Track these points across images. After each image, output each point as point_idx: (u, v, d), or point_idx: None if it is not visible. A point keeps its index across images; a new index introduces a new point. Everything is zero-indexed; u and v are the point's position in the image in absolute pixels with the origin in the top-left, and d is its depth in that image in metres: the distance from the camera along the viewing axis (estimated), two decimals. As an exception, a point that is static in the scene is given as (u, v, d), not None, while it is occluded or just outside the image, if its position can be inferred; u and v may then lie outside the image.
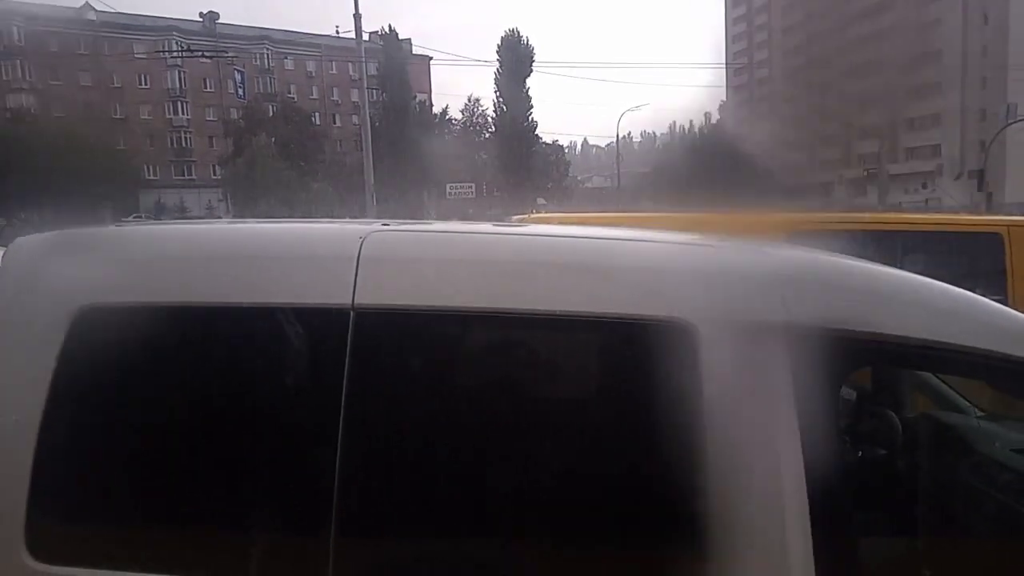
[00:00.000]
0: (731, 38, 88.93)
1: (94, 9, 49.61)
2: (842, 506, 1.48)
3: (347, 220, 2.33)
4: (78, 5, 53.42)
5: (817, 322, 1.51)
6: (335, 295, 1.51)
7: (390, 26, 52.79)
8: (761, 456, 1.43)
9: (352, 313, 1.49)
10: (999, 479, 2.18)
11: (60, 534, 1.51)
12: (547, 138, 58.78)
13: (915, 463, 2.37)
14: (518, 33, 51.94)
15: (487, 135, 57.26)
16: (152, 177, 58.22)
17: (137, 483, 1.54)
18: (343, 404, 1.46)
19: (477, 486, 1.55)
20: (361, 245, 1.57)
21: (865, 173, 53.20)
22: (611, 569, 1.48)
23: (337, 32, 48.26)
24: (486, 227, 1.99)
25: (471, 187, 44.88)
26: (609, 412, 1.60)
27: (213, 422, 1.54)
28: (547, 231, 2.15)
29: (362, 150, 24.66)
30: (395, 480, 1.53)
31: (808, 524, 1.40)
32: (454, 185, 44.84)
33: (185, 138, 63.41)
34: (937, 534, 2.07)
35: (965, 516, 2.21)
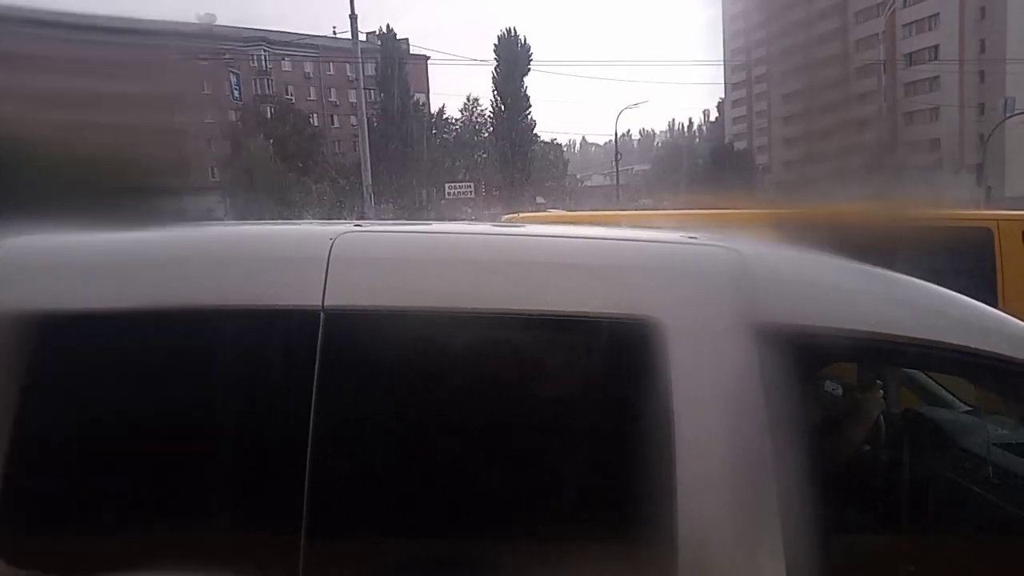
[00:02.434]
0: (729, 35, 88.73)
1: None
2: (814, 502, 1.47)
3: (320, 221, 2.32)
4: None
5: (787, 318, 1.50)
6: (305, 296, 1.50)
7: (387, 26, 52.82)
8: (731, 454, 1.42)
9: (322, 314, 1.49)
10: (983, 474, 2.17)
11: (27, 541, 1.50)
12: (545, 137, 58.95)
13: (899, 458, 2.36)
14: (515, 32, 52.04)
15: (486, 134, 57.25)
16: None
17: (105, 489, 1.53)
18: (313, 406, 1.45)
19: (448, 487, 1.54)
20: (331, 246, 1.56)
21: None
22: (580, 568, 1.47)
23: (334, 33, 48.14)
24: (456, 227, 1.99)
25: (470, 186, 44.85)
26: (579, 411, 1.59)
27: (181, 426, 1.53)
28: (518, 231, 2.14)
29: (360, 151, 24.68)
30: (365, 482, 1.53)
31: (778, 522, 1.39)
32: (453, 185, 44.84)
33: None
34: (921, 530, 2.06)
35: (950, 512, 2.20)
